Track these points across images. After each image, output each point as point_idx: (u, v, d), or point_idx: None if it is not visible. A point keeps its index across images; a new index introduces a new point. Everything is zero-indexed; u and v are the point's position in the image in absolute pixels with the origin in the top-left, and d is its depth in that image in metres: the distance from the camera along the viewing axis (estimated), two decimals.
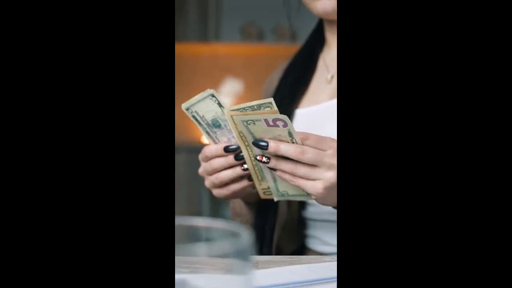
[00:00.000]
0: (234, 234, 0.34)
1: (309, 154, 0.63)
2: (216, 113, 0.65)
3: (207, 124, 0.67)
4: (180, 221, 0.36)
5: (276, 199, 0.72)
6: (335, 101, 0.86)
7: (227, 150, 0.69)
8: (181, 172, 2.44)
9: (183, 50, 2.44)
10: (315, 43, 0.96)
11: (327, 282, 0.57)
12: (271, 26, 2.57)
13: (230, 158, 0.69)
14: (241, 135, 0.65)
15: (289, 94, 0.92)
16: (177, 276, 0.37)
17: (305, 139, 0.64)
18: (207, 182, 0.73)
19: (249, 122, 0.62)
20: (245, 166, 0.70)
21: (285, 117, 0.61)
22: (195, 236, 0.36)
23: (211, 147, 0.70)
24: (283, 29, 2.53)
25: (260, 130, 0.63)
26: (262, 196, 0.74)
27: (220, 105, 0.65)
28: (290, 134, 0.62)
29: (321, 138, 0.64)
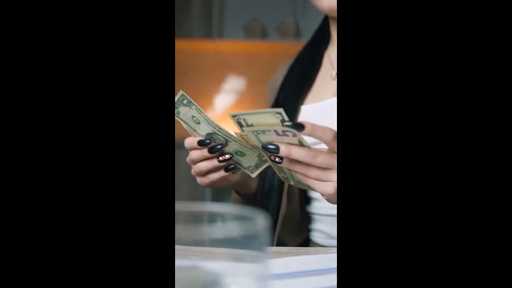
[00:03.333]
0: (247, 219, 0.34)
1: (321, 158, 0.62)
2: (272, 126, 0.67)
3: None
4: (191, 206, 0.36)
5: (292, 183, 0.74)
6: None
7: (200, 143, 0.73)
8: (183, 169, 2.44)
9: (186, 47, 2.44)
10: (320, 40, 0.97)
11: (332, 272, 0.58)
12: (274, 23, 2.56)
13: (205, 151, 0.73)
14: (252, 147, 0.68)
15: (294, 90, 0.93)
16: (189, 262, 0.38)
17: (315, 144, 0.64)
18: (192, 171, 0.77)
19: (258, 132, 0.63)
20: (220, 158, 0.74)
21: (293, 131, 0.61)
22: (206, 221, 0.36)
23: (190, 139, 0.74)
24: (287, 26, 2.53)
25: (270, 139, 0.64)
26: (283, 179, 0.76)
27: (283, 120, 0.64)
28: (300, 142, 0.63)
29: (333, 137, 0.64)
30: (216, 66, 2.61)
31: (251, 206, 0.92)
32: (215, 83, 2.56)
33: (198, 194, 2.54)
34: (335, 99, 0.87)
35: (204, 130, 0.72)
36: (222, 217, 0.36)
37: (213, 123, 0.71)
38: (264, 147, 0.64)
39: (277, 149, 0.63)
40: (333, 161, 0.63)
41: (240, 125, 0.64)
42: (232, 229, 0.32)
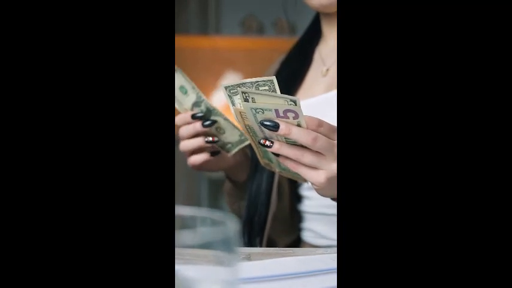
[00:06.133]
0: (219, 223, 0.33)
1: (321, 142, 0.59)
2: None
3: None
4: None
5: (278, 170, 0.73)
6: (330, 93, 0.86)
7: (194, 117, 0.72)
8: (181, 165, 2.44)
9: (183, 43, 2.43)
10: (312, 36, 0.97)
11: (318, 274, 0.57)
12: (271, 19, 2.56)
13: (197, 125, 0.72)
14: (247, 126, 0.64)
15: (285, 87, 0.92)
16: None
17: (319, 126, 0.61)
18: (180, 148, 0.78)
19: (257, 110, 0.59)
20: (209, 139, 0.74)
21: (298, 108, 0.58)
22: (180, 224, 0.36)
23: (181, 115, 0.73)
24: (283, 22, 2.52)
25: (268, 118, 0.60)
26: (263, 165, 0.76)
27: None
28: (299, 126, 0.60)
29: (332, 128, 0.62)
30: (213, 62, 2.60)
31: (244, 194, 0.92)
32: (212, 79, 2.55)
33: (194, 191, 2.53)
34: (326, 95, 0.87)
35: (190, 101, 0.72)
36: (194, 221, 0.35)
37: (198, 91, 0.72)
38: (262, 124, 0.60)
39: (277, 126, 0.59)
40: (331, 147, 0.60)
41: (246, 100, 0.59)
42: (204, 234, 0.32)
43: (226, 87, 0.64)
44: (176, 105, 0.76)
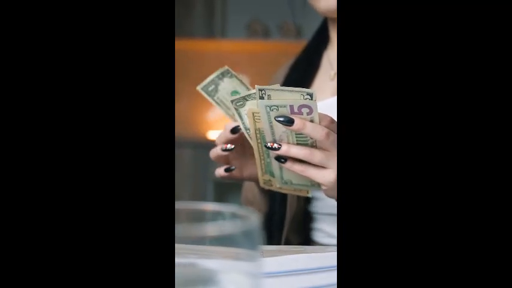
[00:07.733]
0: (241, 217, 0.35)
1: (333, 137, 0.61)
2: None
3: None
4: (188, 205, 0.37)
5: (278, 185, 0.72)
6: None
7: (234, 131, 0.69)
8: (186, 167, 2.45)
9: (189, 46, 2.45)
10: (320, 41, 0.98)
11: (329, 270, 0.59)
12: (276, 23, 2.57)
13: (227, 132, 0.70)
14: (257, 130, 0.64)
15: None
16: (187, 260, 0.38)
17: (331, 122, 0.62)
18: None
19: (272, 108, 0.60)
20: (223, 147, 0.70)
21: (313, 103, 0.59)
22: (203, 220, 0.37)
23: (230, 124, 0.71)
24: (289, 26, 2.53)
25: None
26: (262, 185, 0.74)
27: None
28: (312, 122, 0.61)
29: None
30: (218, 66, 2.58)
31: (266, 202, 0.92)
32: None
33: (199, 193, 2.54)
34: (333, 99, 0.88)
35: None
36: (217, 215, 0.36)
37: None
38: (277, 120, 0.60)
39: (291, 121, 0.60)
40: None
41: (261, 98, 0.60)
42: (226, 227, 0.33)
43: (232, 101, 0.64)
44: (222, 110, 0.71)
